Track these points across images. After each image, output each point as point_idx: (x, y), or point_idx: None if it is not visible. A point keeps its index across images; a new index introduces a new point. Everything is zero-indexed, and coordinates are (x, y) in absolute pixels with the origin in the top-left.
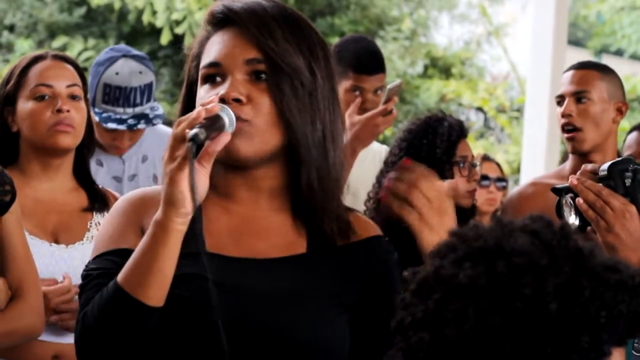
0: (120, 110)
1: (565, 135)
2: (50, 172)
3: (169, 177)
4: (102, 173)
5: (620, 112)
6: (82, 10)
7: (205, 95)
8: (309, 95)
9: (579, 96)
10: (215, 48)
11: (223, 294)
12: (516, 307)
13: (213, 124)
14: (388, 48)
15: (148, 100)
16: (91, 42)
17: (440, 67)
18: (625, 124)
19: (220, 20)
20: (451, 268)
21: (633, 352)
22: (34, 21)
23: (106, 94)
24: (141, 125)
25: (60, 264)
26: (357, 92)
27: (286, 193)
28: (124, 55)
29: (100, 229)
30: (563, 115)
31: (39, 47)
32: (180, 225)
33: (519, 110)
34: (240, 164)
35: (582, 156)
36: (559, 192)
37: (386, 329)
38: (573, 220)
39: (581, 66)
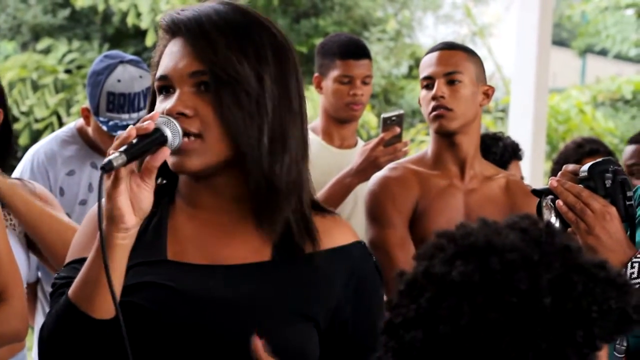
0: (126, 116)
1: (434, 113)
2: None
3: (106, 194)
4: (98, 176)
5: (487, 95)
6: (66, 12)
7: (159, 106)
8: (255, 103)
9: (450, 77)
10: (165, 60)
11: (183, 301)
12: (511, 302)
13: (147, 141)
14: (373, 49)
15: None
16: (75, 44)
17: None
18: (610, 124)
19: (169, 30)
20: (442, 267)
21: (615, 353)
22: (17, 23)
23: (110, 102)
24: None
25: None
26: (347, 80)
27: (249, 199)
28: (121, 62)
29: (74, 238)
30: (434, 98)
31: (23, 49)
32: (121, 240)
33: (504, 110)
34: (191, 175)
35: (447, 137)
36: (539, 193)
37: (365, 336)
38: (553, 222)
39: (448, 47)
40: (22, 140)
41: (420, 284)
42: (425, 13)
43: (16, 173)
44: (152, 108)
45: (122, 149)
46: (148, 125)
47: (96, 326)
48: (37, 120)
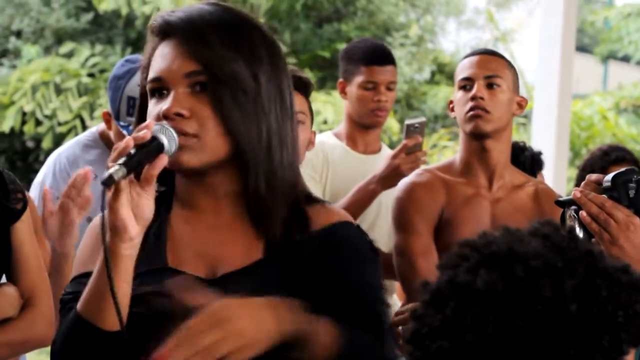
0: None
1: (472, 112)
2: None
3: (108, 206)
4: None
5: (520, 106)
6: (89, 16)
7: (153, 109)
8: (252, 101)
9: (490, 81)
10: (157, 62)
11: (183, 310)
12: (537, 309)
13: (145, 151)
14: (395, 54)
15: None
16: (98, 48)
17: (447, 73)
18: (633, 130)
19: (161, 32)
20: (466, 276)
21: None
22: (41, 27)
23: (131, 106)
24: None
25: None
26: (371, 86)
27: (245, 197)
28: None
29: (77, 252)
30: (473, 98)
31: (46, 53)
32: (126, 251)
33: (527, 116)
34: (189, 173)
35: (479, 141)
36: (563, 204)
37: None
38: (577, 233)
39: (488, 52)
40: (46, 143)
41: (444, 293)
42: (447, 18)
43: (39, 177)
44: (142, 111)
45: (121, 161)
46: (145, 134)
47: (106, 338)
48: (60, 124)
